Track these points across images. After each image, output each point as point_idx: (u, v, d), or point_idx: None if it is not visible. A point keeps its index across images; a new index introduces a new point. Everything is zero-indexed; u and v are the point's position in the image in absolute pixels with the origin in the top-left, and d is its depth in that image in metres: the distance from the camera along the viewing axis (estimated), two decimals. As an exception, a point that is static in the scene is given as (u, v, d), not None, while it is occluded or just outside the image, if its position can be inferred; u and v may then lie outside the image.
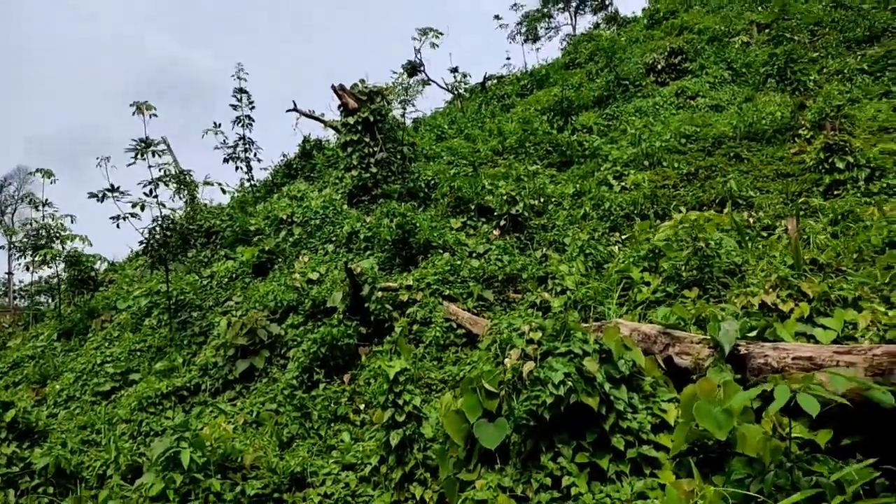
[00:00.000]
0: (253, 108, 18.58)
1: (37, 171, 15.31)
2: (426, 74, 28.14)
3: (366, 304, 9.04)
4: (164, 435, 7.62)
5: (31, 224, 16.61)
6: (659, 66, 19.14)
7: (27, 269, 16.58)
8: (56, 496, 7.36)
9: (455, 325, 8.29)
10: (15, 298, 55.59)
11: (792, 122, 12.72)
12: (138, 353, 10.50)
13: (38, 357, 13.20)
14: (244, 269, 12.32)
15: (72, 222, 15.58)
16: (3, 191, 51.66)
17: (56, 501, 7.29)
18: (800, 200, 9.64)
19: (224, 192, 14.70)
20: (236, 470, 6.48)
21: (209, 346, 9.85)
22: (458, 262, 9.51)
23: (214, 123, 17.24)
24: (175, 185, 11.94)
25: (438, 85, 28.68)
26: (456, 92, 27.10)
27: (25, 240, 16.57)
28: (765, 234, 8.74)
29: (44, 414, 9.11)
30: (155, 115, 11.11)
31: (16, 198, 49.45)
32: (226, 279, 12.31)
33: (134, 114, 11.06)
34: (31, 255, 15.73)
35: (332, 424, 7.50)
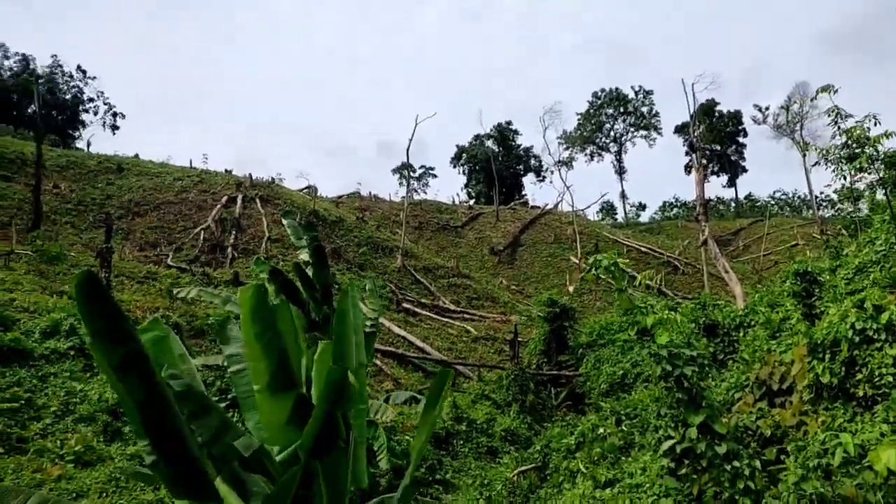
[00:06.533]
0: None
1: (819, 90, 15.15)
2: None
3: None
4: None
5: (837, 134, 16.65)
6: None
7: (842, 178, 16.98)
8: None
9: None
10: (818, 208, 58.42)
11: None
12: None
13: (880, 261, 13.43)
14: None
15: (875, 124, 14.84)
16: (790, 109, 54.86)
17: None
18: None
19: None
20: None
21: None
22: None
23: None
24: None
25: None
26: None
27: (833, 152, 16.94)
28: None
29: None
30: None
31: (800, 114, 51.66)
32: None
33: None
34: (841, 165, 15.99)
35: None
